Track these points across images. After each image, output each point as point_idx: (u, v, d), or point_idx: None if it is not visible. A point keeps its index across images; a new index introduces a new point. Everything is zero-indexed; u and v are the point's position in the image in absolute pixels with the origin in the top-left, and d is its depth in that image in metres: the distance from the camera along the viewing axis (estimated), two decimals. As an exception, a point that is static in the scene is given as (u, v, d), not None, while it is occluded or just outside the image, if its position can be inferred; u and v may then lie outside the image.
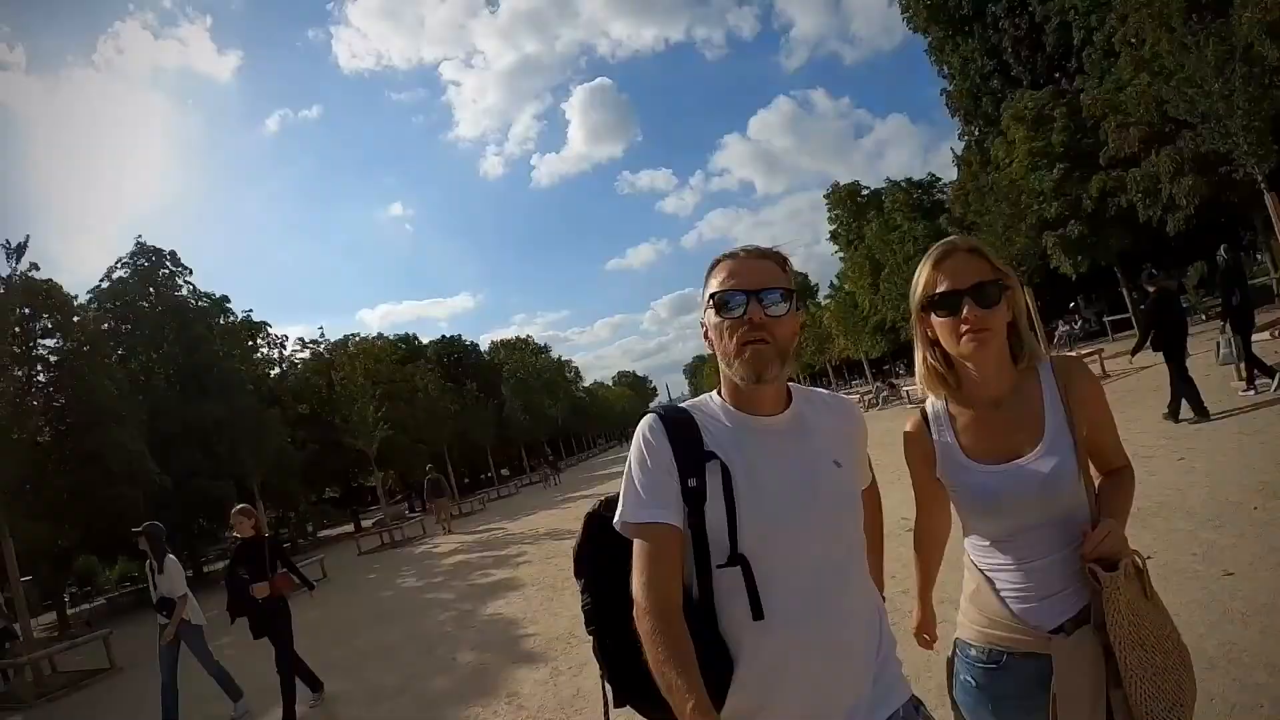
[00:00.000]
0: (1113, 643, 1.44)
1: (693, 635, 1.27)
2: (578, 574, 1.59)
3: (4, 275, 15.73)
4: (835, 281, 49.41)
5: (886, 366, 54.75)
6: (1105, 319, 27.43)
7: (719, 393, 1.55)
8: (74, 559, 23.70)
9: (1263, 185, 9.35)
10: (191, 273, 26.61)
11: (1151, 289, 9.08)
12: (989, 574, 1.62)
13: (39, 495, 16.93)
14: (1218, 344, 9.30)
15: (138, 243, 25.64)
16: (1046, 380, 1.60)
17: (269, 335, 31.61)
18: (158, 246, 25.98)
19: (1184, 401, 8.58)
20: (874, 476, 1.68)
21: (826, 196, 49.61)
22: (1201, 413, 8.42)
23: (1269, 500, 5.21)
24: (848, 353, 38.34)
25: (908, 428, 1.74)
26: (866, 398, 28.11)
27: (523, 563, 12.67)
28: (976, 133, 32.30)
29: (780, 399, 1.51)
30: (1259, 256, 23.45)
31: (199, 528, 24.65)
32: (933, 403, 1.71)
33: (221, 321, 27.32)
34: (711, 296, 1.47)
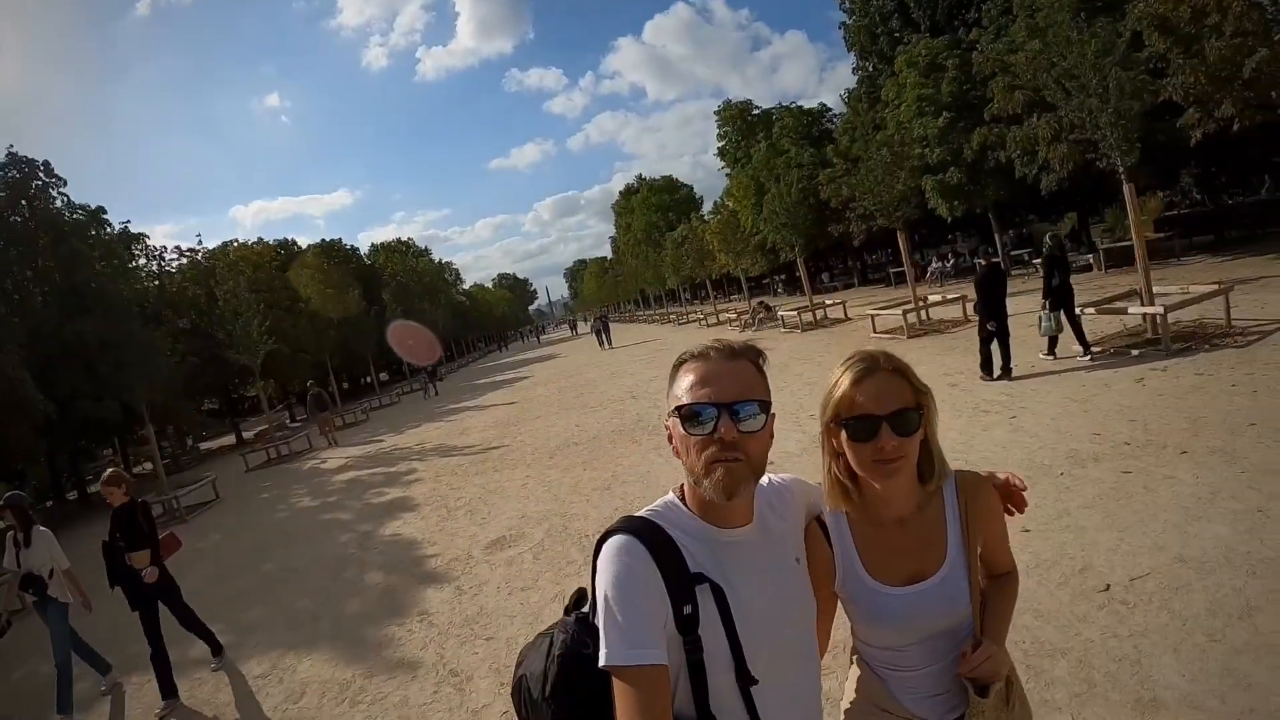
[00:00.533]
0: None
1: None
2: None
3: None
4: (720, 199, 49.97)
5: (766, 281, 56.47)
6: (976, 260, 29.25)
7: (683, 499, 1.49)
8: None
9: (1122, 176, 10.38)
10: (66, 184, 24.67)
11: (982, 262, 10.87)
12: (878, 671, 1.67)
13: None
14: (1039, 318, 10.51)
15: (9, 153, 23.62)
16: (949, 497, 1.62)
17: (147, 247, 29.99)
18: (30, 156, 24.02)
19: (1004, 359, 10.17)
20: None
21: (717, 113, 50.29)
22: (988, 370, 10.18)
23: (1074, 468, 6.10)
24: (728, 268, 39.25)
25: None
26: (743, 318, 29.12)
27: (414, 481, 13.24)
28: (870, 69, 32.93)
29: (749, 509, 1.48)
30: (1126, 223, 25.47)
31: (81, 450, 23.90)
32: (830, 514, 1.66)
33: (98, 234, 25.70)
34: (679, 409, 1.40)
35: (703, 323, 36.66)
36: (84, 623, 6.31)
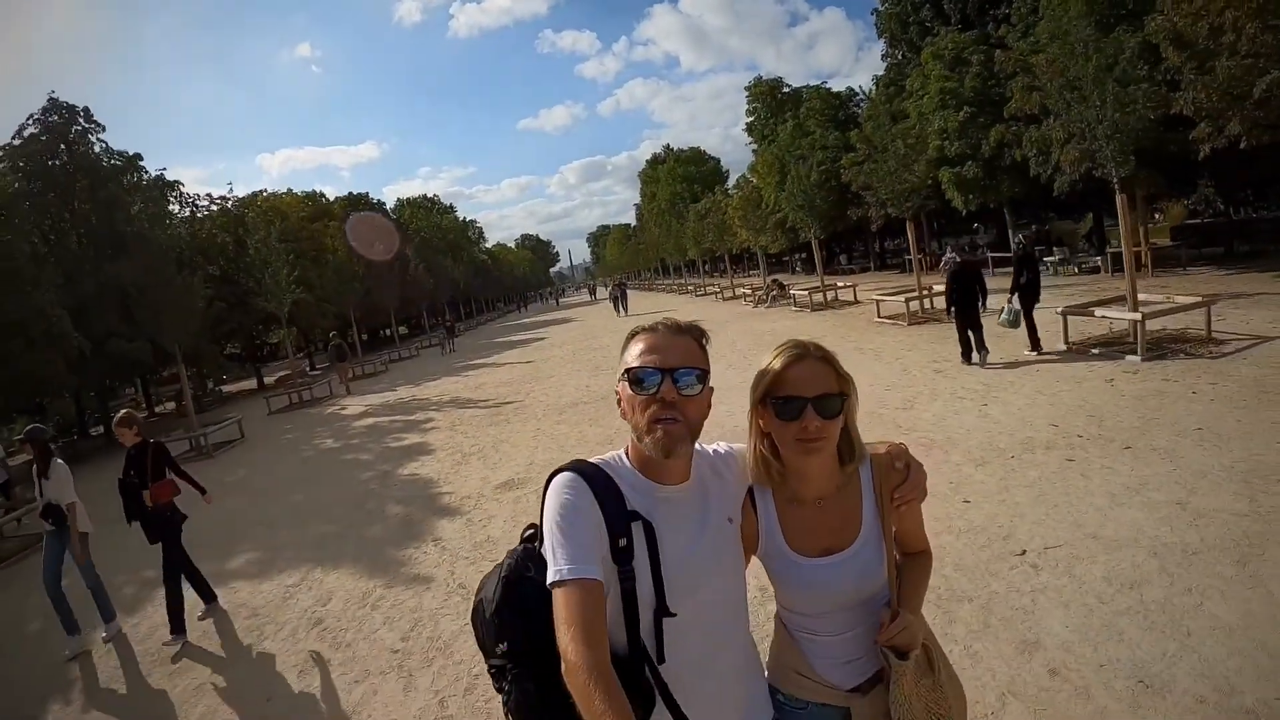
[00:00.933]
0: (895, 717, 1.66)
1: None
2: (500, 637, 1.55)
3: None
4: (746, 174, 50.18)
5: (786, 259, 56.78)
6: (988, 254, 29.41)
7: (627, 455, 1.66)
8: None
9: (1115, 186, 10.87)
10: (104, 129, 25.51)
11: (958, 258, 12.16)
12: (798, 636, 1.78)
13: None
14: (1003, 309, 11.22)
15: (49, 98, 24.41)
16: (865, 477, 1.73)
17: (181, 194, 30.76)
18: (70, 103, 24.77)
19: (977, 344, 11.17)
20: None
21: (748, 89, 50.49)
22: (967, 358, 11.25)
23: (1025, 452, 6.78)
24: (748, 244, 39.58)
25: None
26: (757, 294, 29.83)
27: (431, 429, 14.11)
28: (900, 57, 33.05)
29: (687, 469, 1.65)
30: (1141, 222, 25.53)
31: (107, 388, 24.85)
32: (759, 487, 1.77)
33: (135, 180, 26.48)
34: (627, 371, 1.58)
35: (719, 296, 37.20)
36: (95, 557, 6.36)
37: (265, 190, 43.20)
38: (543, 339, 32.05)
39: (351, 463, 12.37)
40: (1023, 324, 11.29)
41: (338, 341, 26.16)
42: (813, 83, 43.79)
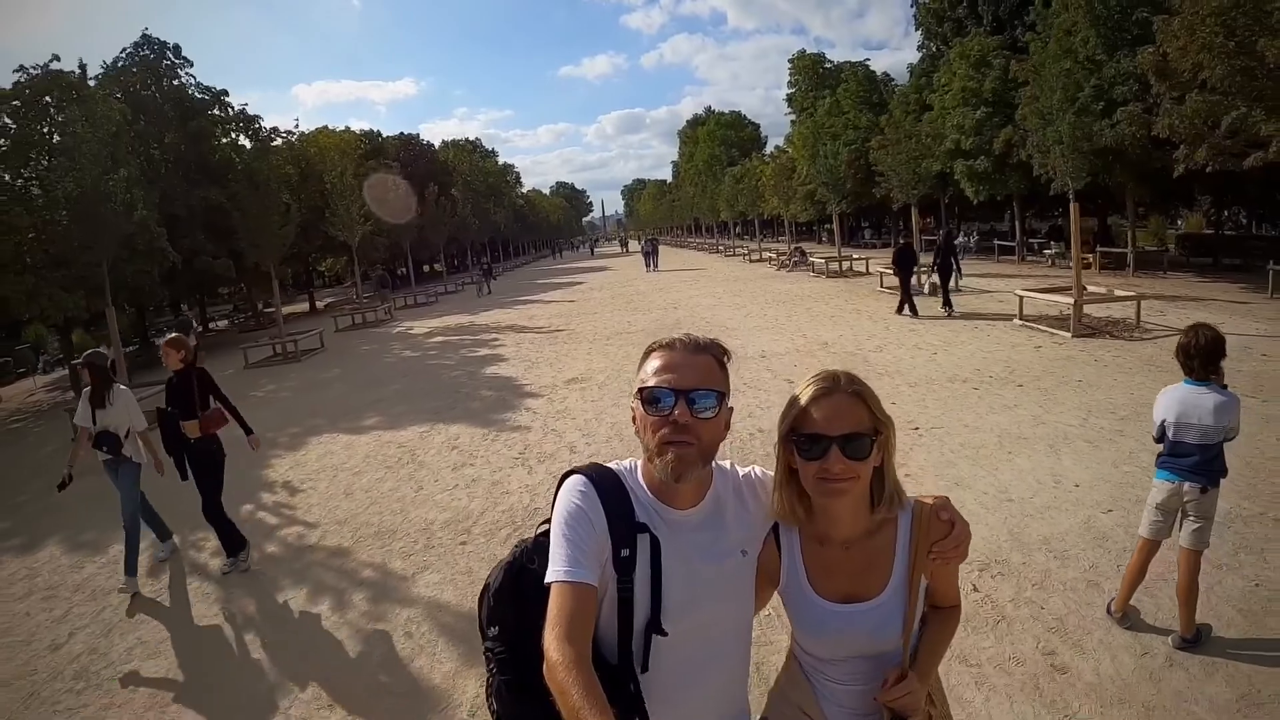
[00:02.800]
0: None
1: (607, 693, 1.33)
2: (491, 621, 1.62)
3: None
4: (782, 144, 52.15)
5: (814, 228, 58.92)
6: (995, 241, 31.59)
7: (640, 471, 1.62)
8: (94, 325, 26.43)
9: (1071, 196, 13.14)
10: (192, 65, 28.62)
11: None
12: (808, 674, 1.73)
13: (69, 270, 19.76)
14: (923, 281, 16.57)
15: (142, 34, 27.68)
16: (904, 528, 1.62)
17: (258, 128, 33.66)
18: (161, 39, 28.07)
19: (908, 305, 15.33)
20: None
21: (791, 62, 52.63)
22: (913, 311, 15.25)
23: (948, 382, 9.55)
24: (778, 211, 41.77)
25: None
26: (781, 258, 32.54)
27: (498, 345, 17.15)
28: (934, 49, 34.95)
29: (699, 492, 1.59)
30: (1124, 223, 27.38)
31: (200, 299, 27.88)
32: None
33: (221, 112, 29.45)
34: (641, 390, 1.53)
35: (747, 258, 39.80)
36: (149, 485, 6.20)
37: (326, 125, 45.96)
38: (581, 283, 35.09)
39: (436, 366, 15.32)
40: (940, 292, 15.55)
41: (381, 272, 29.02)
42: (860, 52, 46.17)
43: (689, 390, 1.49)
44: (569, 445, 8.29)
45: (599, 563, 1.47)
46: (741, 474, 1.72)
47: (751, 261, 37.73)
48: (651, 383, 1.52)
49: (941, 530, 1.60)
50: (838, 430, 1.50)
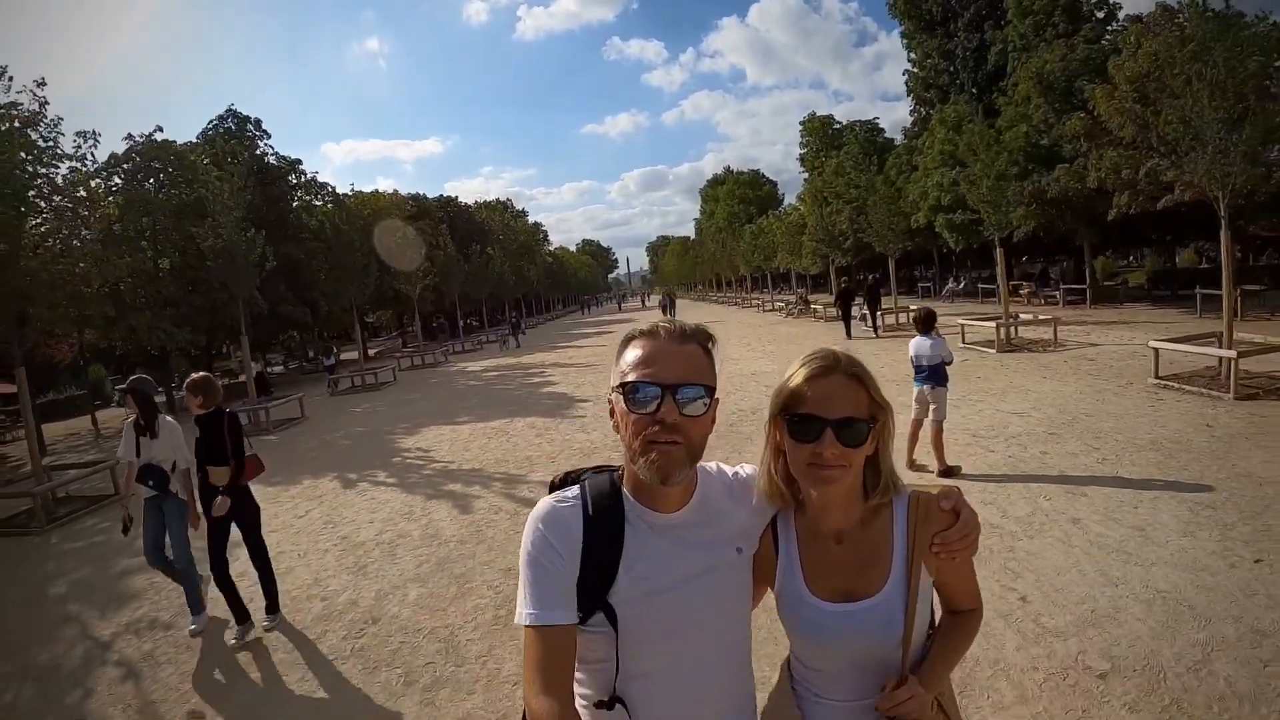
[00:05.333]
0: None
1: None
2: None
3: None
4: (794, 202, 56.30)
5: (823, 280, 62.53)
6: (979, 284, 35.03)
7: (622, 477, 1.51)
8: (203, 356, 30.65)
9: (997, 242, 16.86)
10: (270, 136, 33.72)
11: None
12: (803, 695, 1.62)
13: (179, 309, 24.43)
14: (861, 315, 20.83)
15: (228, 109, 33.36)
16: (899, 518, 1.52)
17: (327, 193, 38.46)
18: (244, 113, 33.67)
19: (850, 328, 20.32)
20: None
21: (802, 124, 57.23)
22: (848, 334, 20.14)
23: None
24: (788, 264, 45.56)
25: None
26: (787, 305, 36.40)
27: (547, 374, 21.04)
28: (923, 114, 39.14)
29: (686, 493, 1.48)
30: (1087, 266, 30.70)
31: (282, 341, 32.31)
32: (782, 515, 1.60)
33: (297, 179, 34.51)
34: (622, 385, 1.40)
35: (760, 308, 43.57)
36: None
37: (376, 188, 50.94)
38: (610, 332, 39.01)
39: (499, 390, 19.12)
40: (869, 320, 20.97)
41: (442, 321, 33.00)
42: (878, 104, 51.29)
43: (675, 385, 1.36)
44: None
45: (572, 595, 1.38)
46: (730, 473, 1.62)
47: (764, 310, 41.47)
48: (633, 376, 1.38)
49: (944, 520, 1.48)
50: (835, 413, 1.40)
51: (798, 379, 1.47)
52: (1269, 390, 9.59)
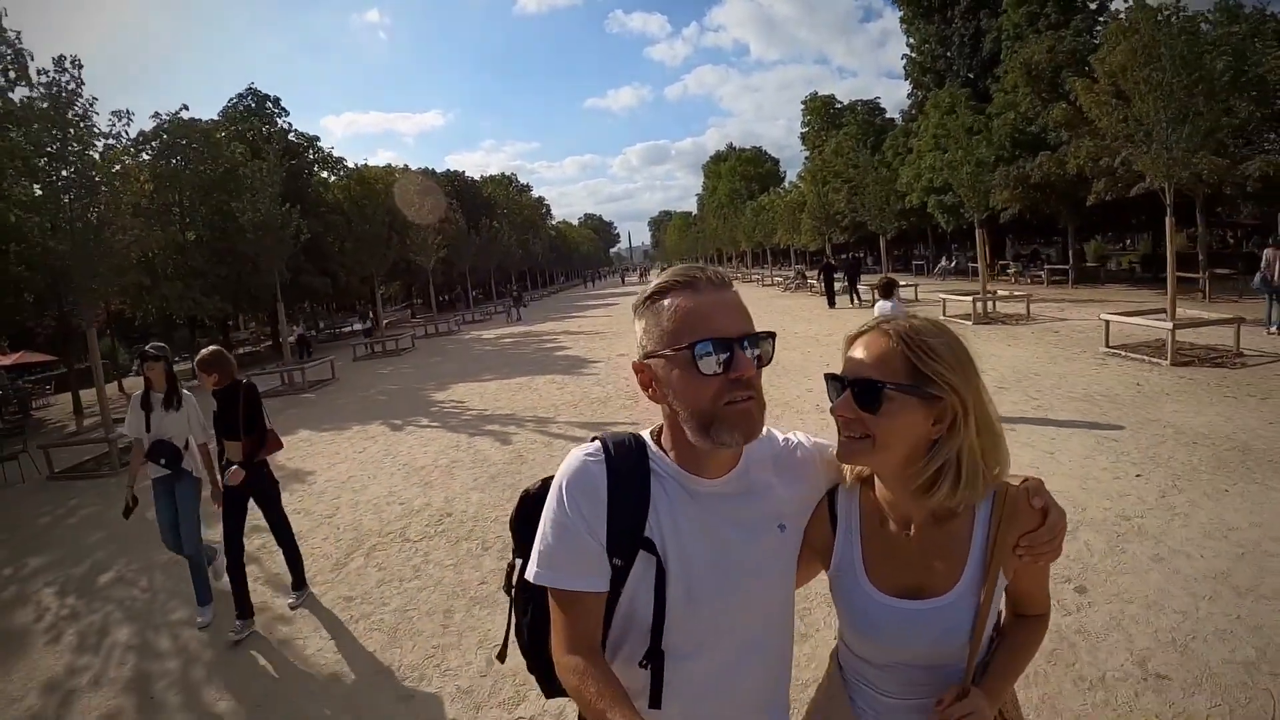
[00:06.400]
0: None
1: None
2: (517, 553, 1.51)
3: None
4: (795, 180, 57.56)
5: (824, 258, 63.91)
6: (970, 263, 36.41)
7: (661, 440, 1.40)
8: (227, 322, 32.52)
9: (977, 223, 18.19)
10: (289, 114, 35.06)
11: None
12: (854, 685, 1.51)
13: (207, 279, 25.96)
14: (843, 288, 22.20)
15: (248, 87, 34.69)
16: (981, 514, 1.35)
17: (342, 168, 39.76)
18: (264, 92, 35.03)
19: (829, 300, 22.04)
20: None
21: (804, 103, 58.26)
22: (831, 304, 21.55)
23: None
24: (788, 241, 46.87)
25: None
26: (784, 280, 37.82)
27: (559, 341, 22.52)
28: (919, 98, 40.23)
29: (734, 458, 1.38)
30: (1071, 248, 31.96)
31: (302, 310, 34.24)
32: (845, 491, 1.47)
33: (313, 154, 35.87)
34: (690, 346, 1.22)
35: (759, 283, 44.78)
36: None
37: (389, 164, 52.19)
38: (615, 304, 40.56)
39: (515, 354, 20.62)
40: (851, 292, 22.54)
41: (458, 291, 34.46)
42: (883, 81, 51.78)
43: (742, 336, 1.23)
44: (625, 378, 13.39)
45: (598, 560, 1.30)
46: (781, 439, 1.49)
47: (764, 285, 42.87)
48: (698, 335, 1.22)
49: (1032, 520, 1.31)
50: (856, 371, 1.30)
51: (849, 340, 1.38)
52: (1204, 360, 10.88)
